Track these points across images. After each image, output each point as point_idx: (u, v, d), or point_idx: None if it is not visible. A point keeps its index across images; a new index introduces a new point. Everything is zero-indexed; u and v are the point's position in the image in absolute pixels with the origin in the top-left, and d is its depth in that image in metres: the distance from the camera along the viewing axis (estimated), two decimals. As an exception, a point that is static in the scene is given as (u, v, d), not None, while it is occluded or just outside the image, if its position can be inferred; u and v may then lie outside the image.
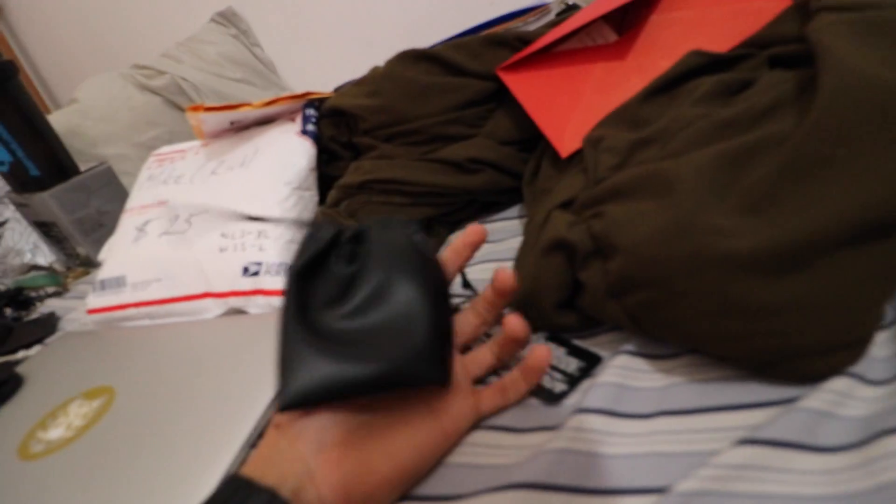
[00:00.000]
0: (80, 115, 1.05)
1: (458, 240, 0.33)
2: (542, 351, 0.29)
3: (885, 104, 0.25)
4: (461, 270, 0.34)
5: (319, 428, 0.25)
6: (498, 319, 0.33)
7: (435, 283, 0.28)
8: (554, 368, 0.32)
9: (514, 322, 0.29)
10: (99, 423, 0.39)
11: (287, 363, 0.25)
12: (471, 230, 0.33)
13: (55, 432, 0.40)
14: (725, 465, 0.23)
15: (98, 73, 1.13)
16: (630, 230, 0.28)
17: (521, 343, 0.31)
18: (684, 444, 0.25)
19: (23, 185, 0.75)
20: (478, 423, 0.30)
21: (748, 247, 0.25)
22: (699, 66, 0.39)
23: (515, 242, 0.49)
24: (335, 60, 1.24)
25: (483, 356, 0.32)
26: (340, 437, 0.25)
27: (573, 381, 0.31)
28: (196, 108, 0.54)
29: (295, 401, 0.25)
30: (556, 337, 0.35)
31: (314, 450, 0.24)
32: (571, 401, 0.30)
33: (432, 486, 0.27)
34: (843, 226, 0.24)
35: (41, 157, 0.75)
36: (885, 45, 0.28)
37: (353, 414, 0.25)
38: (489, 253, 0.48)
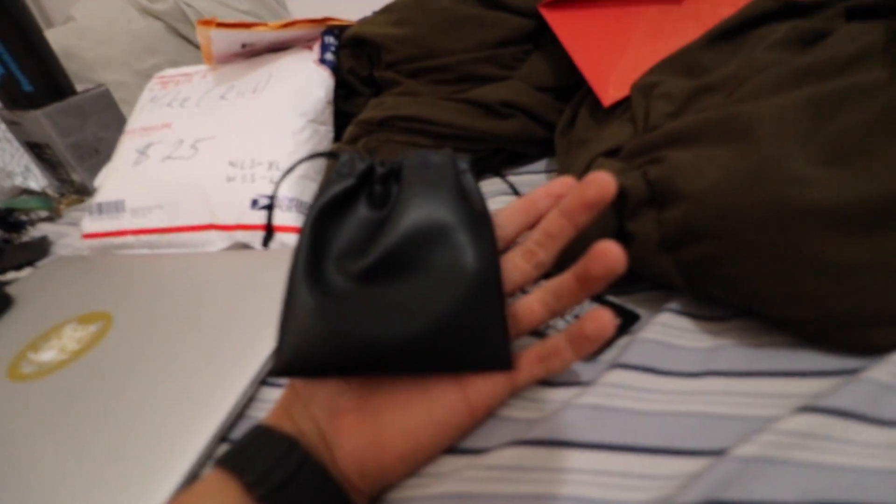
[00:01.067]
0: (76, 35, 0.98)
1: (539, 189, 0.25)
2: (604, 316, 0.21)
3: None
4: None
5: (332, 393, 0.23)
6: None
7: (491, 242, 0.22)
8: None
9: (605, 253, 0.21)
10: (95, 349, 0.37)
11: (287, 321, 0.21)
12: (561, 182, 0.24)
13: (47, 354, 0.38)
14: (786, 432, 0.21)
15: (96, -9, 1.05)
16: (697, 176, 0.25)
17: (595, 288, 0.22)
18: (735, 407, 0.24)
19: (14, 100, 0.71)
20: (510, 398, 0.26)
21: (835, 199, 0.22)
22: (770, 12, 0.36)
23: (542, 197, 0.46)
24: (350, -1, 1.16)
25: (530, 309, 0.24)
26: (353, 404, 0.23)
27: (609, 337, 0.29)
28: (207, 23, 0.49)
29: (287, 369, 0.21)
30: None
31: (327, 416, 0.22)
32: (606, 357, 0.28)
33: (476, 440, 0.25)
34: (942, 183, 0.22)
35: (35, 71, 0.70)
36: None
37: (368, 381, 0.23)
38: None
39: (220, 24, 0.50)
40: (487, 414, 0.25)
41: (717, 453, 0.22)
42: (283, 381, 0.32)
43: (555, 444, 0.23)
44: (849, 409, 0.22)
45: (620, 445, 0.23)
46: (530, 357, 0.24)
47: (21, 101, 0.71)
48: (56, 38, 0.96)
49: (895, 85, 0.24)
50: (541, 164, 0.51)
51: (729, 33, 0.36)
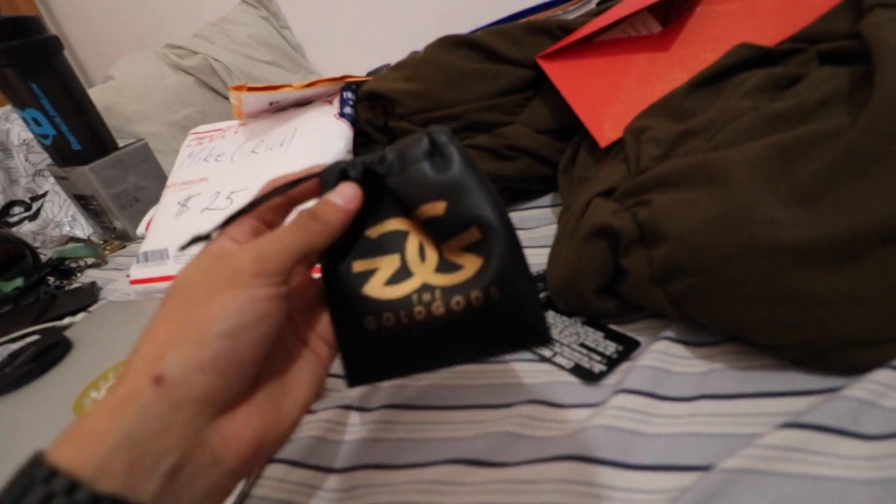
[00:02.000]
0: (115, 92, 1.07)
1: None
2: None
3: (947, 100, 0.25)
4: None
5: (221, 386, 0.18)
6: None
7: (495, 199, 0.21)
8: (591, 350, 0.33)
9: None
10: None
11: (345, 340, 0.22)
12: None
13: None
14: (770, 446, 0.24)
15: (132, 52, 1.15)
16: (679, 218, 0.29)
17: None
18: (726, 427, 0.26)
19: (65, 158, 0.78)
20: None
21: (802, 237, 0.25)
22: (747, 60, 0.39)
23: (548, 230, 0.50)
24: (364, 45, 1.24)
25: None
26: (244, 394, 0.19)
27: (611, 362, 0.32)
28: (240, 88, 0.55)
29: (360, 380, 0.22)
30: (592, 321, 0.36)
31: (211, 413, 0.18)
32: (611, 381, 0.31)
33: (478, 452, 0.28)
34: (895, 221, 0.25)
35: (83, 131, 0.77)
36: (947, 42, 0.28)
37: (256, 367, 0.19)
38: (523, 240, 0.49)
39: (252, 89, 0.55)
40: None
41: (707, 468, 0.24)
42: (321, 406, 0.35)
43: (572, 459, 0.26)
44: (830, 425, 0.25)
45: (625, 463, 0.26)
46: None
47: (70, 159, 0.78)
48: (97, 95, 1.05)
49: (853, 130, 0.27)
50: (546, 199, 0.55)
51: (710, 79, 0.40)
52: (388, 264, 0.22)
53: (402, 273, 0.22)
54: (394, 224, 0.23)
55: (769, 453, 0.24)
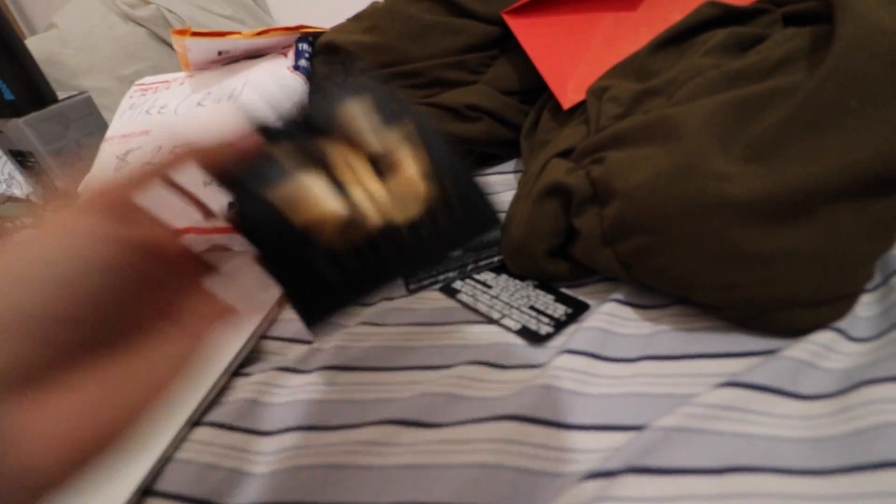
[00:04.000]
0: (58, 42, 0.99)
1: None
2: None
3: (903, 56, 0.24)
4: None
5: (17, 352, 0.13)
6: None
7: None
8: (540, 312, 0.32)
9: None
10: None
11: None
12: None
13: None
14: (706, 405, 0.23)
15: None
16: (630, 174, 0.27)
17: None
18: (666, 387, 0.26)
19: (-4, 108, 0.71)
20: None
21: (748, 193, 0.24)
22: (712, 18, 0.38)
23: (510, 196, 0.48)
24: (331, 1, 1.18)
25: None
26: (59, 370, 0.14)
27: (559, 325, 0.31)
28: (182, 32, 0.51)
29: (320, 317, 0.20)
30: (544, 285, 0.35)
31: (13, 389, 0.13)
32: (556, 342, 0.30)
33: (413, 412, 0.27)
34: (846, 177, 0.24)
35: (16, 80, 0.71)
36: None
37: (79, 332, 0.15)
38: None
39: (196, 34, 0.51)
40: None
41: (646, 427, 0.24)
42: (258, 369, 0.33)
43: (510, 418, 0.25)
44: (767, 384, 0.24)
45: (563, 423, 0.25)
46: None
47: (2, 110, 0.72)
48: (38, 45, 0.97)
49: (808, 85, 0.26)
50: (510, 165, 0.53)
51: (674, 39, 0.38)
52: (313, 182, 0.19)
53: (337, 189, 0.19)
54: (307, 145, 0.20)
55: (705, 412, 0.23)
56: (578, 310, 0.32)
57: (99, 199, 0.15)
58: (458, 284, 0.37)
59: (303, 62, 0.55)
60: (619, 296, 0.31)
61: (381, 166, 0.20)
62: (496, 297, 0.35)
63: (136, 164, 0.17)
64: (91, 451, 0.14)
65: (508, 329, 0.32)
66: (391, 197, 0.20)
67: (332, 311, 0.20)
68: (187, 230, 0.49)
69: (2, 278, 0.13)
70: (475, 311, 0.34)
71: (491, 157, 0.54)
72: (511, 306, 0.33)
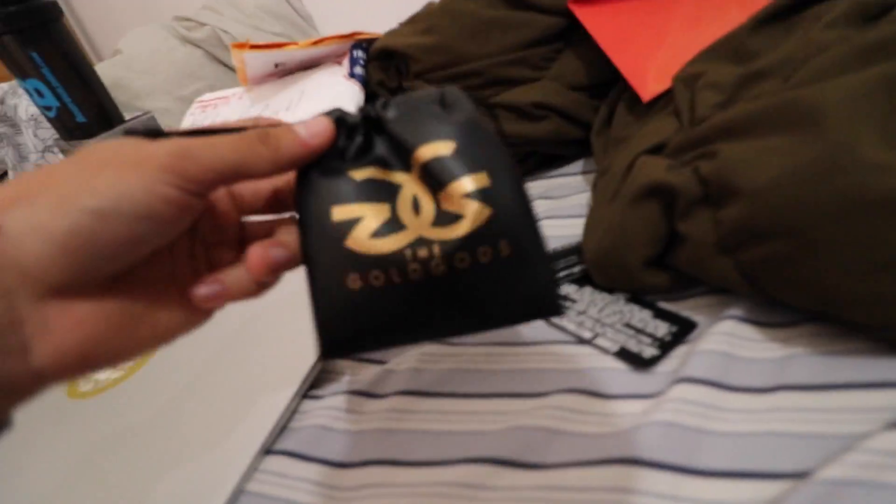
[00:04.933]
0: (123, 66, 1.04)
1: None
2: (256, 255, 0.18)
3: None
4: None
5: (63, 266, 0.14)
6: None
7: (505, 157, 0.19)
8: (639, 331, 0.28)
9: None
10: (147, 365, 0.38)
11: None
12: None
13: (103, 372, 0.40)
14: (878, 451, 0.19)
15: (140, 26, 1.11)
16: (756, 170, 0.23)
17: None
18: (814, 425, 0.21)
19: (69, 131, 0.75)
20: None
21: (923, 188, 0.20)
22: (826, -13, 0.33)
23: (578, 199, 0.44)
24: (377, 13, 1.18)
25: None
26: (90, 291, 0.16)
27: (664, 345, 0.27)
28: (241, 46, 0.51)
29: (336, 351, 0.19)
30: (637, 299, 0.31)
31: (37, 293, 0.14)
32: (665, 368, 0.26)
33: (508, 449, 0.24)
34: None
35: (87, 103, 0.74)
36: None
37: (113, 265, 0.16)
38: (550, 209, 0.44)
39: (254, 47, 0.51)
40: None
41: (797, 476, 0.20)
42: (329, 391, 0.32)
43: (628, 462, 0.21)
44: (953, 425, 0.19)
45: (690, 468, 0.21)
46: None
47: (75, 132, 0.75)
48: (105, 70, 1.02)
49: None
50: (577, 166, 0.49)
51: (779, 14, 0.33)
52: (375, 213, 0.18)
53: (393, 225, 0.18)
54: (384, 173, 0.19)
55: (879, 460, 0.19)
56: (684, 328, 0.28)
57: (180, 164, 0.15)
58: None
59: (358, 69, 0.53)
60: (736, 312, 0.27)
61: (441, 205, 0.18)
62: (584, 313, 0.31)
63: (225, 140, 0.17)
64: (90, 362, 0.16)
65: (605, 350, 0.28)
66: (443, 244, 0.18)
67: (348, 347, 0.19)
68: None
69: (74, 203, 0.14)
70: (562, 328, 0.30)
71: (555, 157, 0.50)
72: (603, 324, 0.30)
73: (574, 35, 0.47)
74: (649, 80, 0.40)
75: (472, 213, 0.18)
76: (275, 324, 0.38)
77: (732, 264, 0.25)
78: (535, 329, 0.31)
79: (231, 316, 0.41)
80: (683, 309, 0.30)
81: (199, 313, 0.19)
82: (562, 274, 0.35)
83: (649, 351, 0.27)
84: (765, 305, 0.27)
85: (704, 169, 0.26)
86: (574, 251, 0.37)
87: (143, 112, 0.82)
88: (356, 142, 0.19)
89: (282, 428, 0.30)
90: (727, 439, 0.22)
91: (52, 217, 0.14)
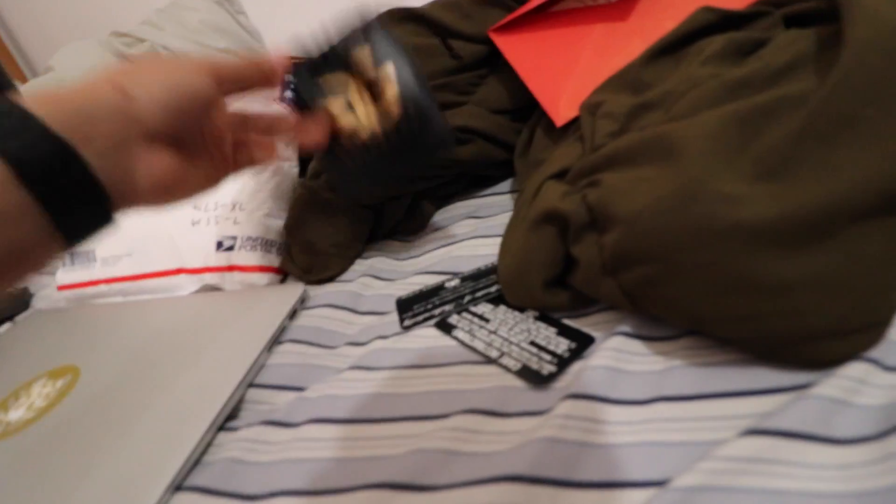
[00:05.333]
0: (55, 84, 1.00)
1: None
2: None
3: (922, 56, 0.22)
4: None
5: (161, 123, 0.21)
6: None
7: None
8: (542, 349, 0.30)
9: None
10: (61, 404, 0.37)
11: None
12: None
13: (15, 413, 0.38)
14: (730, 458, 0.21)
15: (75, 41, 1.07)
16: (629, 199, 0.25)
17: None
18: (685, 433, 0.23)
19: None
20: None
21: (762, 216, 0.22)
22: (709, 25, 0.36)
23: (503, 218, 0.46)
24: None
25: None
26: (166, 143, 0.22)
27: (562, 362, 0.29)
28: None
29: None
30: (544, 317, 0.33)
31: (144, 137, 0.21)
32: (560, 384, 0.28)
33: (406, 473, 0.24)
34: (868, 193, 0.21)
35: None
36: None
37: (181, 126, 0.23)
38: (478, 229, 0.46)
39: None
40: None
41: (663, 483, 0.21)
42: (245, 422, 0.32)
43: (511, 479, 0.23)
44: (797, 430, 0.22)
45: (570, 481, 0.22)
46: None
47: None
48: (35, 88, 0.98)
49: (819, 94, 0.24)
50: (505, 185, 0.51)
51: (669, 48, 0.36)
52: (335, 103, 0.30)
53: (349, 107, 0.31)
54: (337, 76, 0.31)
55: (730, 466, 0.21)
56: (583, 344, 0.30)
57: (207, 66, 0.24)
58: (454, 319, 0.35)
59: (290, 93, 0.54)
60: (626, 328, 0.29)
61: (374, 92, 0.31)
62: (494, 333, 0.32)
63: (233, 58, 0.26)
64: (164, 194, 0.23)
65: (508, 370, 0.29)
66: (378, 114, 0.31)
67: (354, 189, 0.35)
68: (178, 271, 0.48)
69: (166, 80, 0.22)
70: (472, 349, 0.32)
71: (484, 178, 0.52)
72: (511, 342, 0.31)
73: (497, 62, 0.49)
74: (562, 107, 0.43)
75: (389, 92, 0.30)
76: (190, 359, 0.38)
77: (616, 285, 0.27)
78: (446, 351, 0.32)
79: (146, 351, 0.41)
80: (586, 325, 0.32)
81: (213, 180, 0.26)
82: (479, 294, 0.36)
83: (548, 368, 0.29)
84: (652, 321, 0.29)
85: (591, 196, 0.28)
86: (492, 271, 0.38)
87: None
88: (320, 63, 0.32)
89: (195, 462, 0.30)
90: (606, 451, 0.23)
91: (159, 90, 0.21)
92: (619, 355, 0.27)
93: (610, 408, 0.25)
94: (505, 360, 0.30)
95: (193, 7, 1.15)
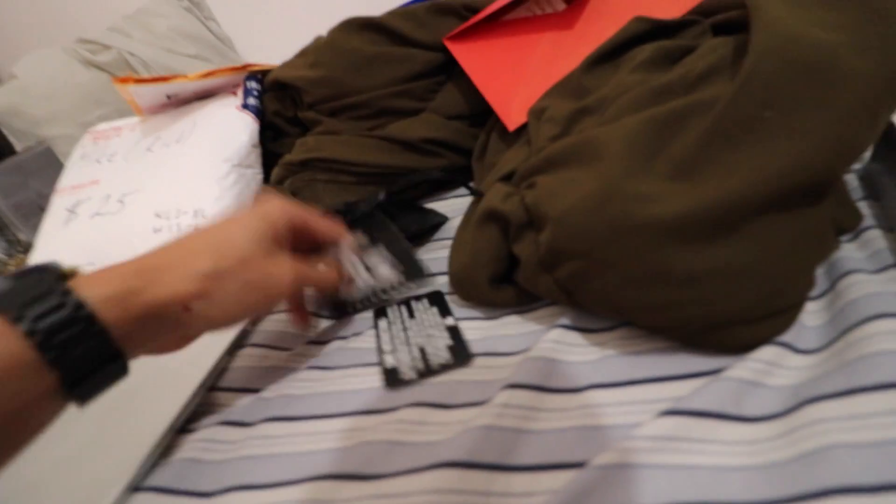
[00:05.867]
0: (19, 93, 0.98)
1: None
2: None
3: (815, 63, 0.24)
4: None
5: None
6: None
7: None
8: (424, 356, 0.32)
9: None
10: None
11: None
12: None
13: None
14: (645, 437, 0.23)
15: (39, 49, 1.06)
16: (559, 199, 0.27)
17: None
18: (611, 418, 0.25)
19: (-51, 166, 0.70)
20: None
21: (671, 212, 0.24)
22: (642, 33, 0.38)
23: (465, 220, 0.47)
24: (296, 35, 1.19)
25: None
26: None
27: (423, 374, 0.30)
28: (125, 80, 0.50)
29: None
30: (455, 330, 0.34)
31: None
32: (503, 375, 0.29)
33: (352, 464, 0.26)
34: (769, 188, 0.23)
35: (-31, 135, 0.70)
36: (819, 7, 0.27)
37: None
38: (444, 231, 0.47)
39: (139, 80, 0.51)
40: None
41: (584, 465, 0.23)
42: (204, 423, 0.32)
43: (449, 465, 0.24)
44: (709, 409, 0.23)
45: (505, 465, 0.24)
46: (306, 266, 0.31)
47: (-43, 167, 0.71)
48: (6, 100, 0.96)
49: (725, 98, 0.26)
50: (463, 188, 0.53)
51: (607, 55, 0.38)
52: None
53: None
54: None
55: (645, 444, 0.22)
56: (459, 362, 0.31)
57: (295, 270, 0.29)
58: (391, 310, 0.36)
59: (251, 100, 0.55)
60: (565, 321, 0.30)
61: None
62: (406, 330, 0.34)
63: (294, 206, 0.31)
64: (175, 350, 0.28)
65: (382, 365, 0.31)
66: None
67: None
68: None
69: (226, 305, 0.26)
70: (379, 338, 0.34)
71: (445, 182, 0.53)
72: (408, 344, 0.33)
73: (454, 69, 0.51)
74: (513, 112, 0.44)
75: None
76: (150, 362, 0.38)
77: (552, 280, 0.28)
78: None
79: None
80: (531, 319, 0.33)
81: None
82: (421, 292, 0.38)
83: (410, 375, 0.31)
84: (588, 314, 0.30)
85: (528, 198, 0.30)
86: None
87: (36, 143, 0.79)
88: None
89: (153, 464, 0.31)
90: (541, 436, 0.25)
91: (235, 308, 0.27)
92: (557, 346, 0.29)
93: (547, 396, 0.27)
94: (387, 358, 0.32)
95: (162, 13, 1.15)
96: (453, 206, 0.50)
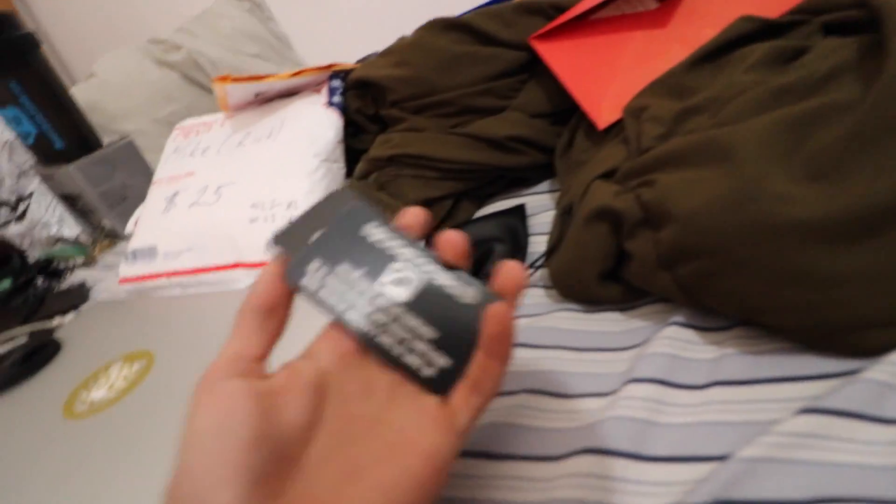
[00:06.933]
0: (98, 89, 1.05)
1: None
2: (502, 310, 0.20)
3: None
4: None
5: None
6: None
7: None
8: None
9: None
10: (140, 385, 0.40)
11: None
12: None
13: (98, 393, 0.41)
14: (788, 433, 0.23)
15: (114, 48, 1.12)
16: (686, 198, 0.27)
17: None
18: (741, 414, 0.25)
19: (48, 157, 0.76)
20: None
21: (815, 214, 0.24)
22: (749, 33, 0.38)
23: (548, 217, 0.48)
24: (351, 34, 1.22)
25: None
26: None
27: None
28: (223, 79, 0.53)
29: None
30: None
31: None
32: (618, 369, 0.30)
33: (505, 445, 0.27)
34: (915, 193, 0.23)
35: (65, 129, 0.75)
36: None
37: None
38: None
39: (236, 79, 0.53)
40: (440, 470, 0.20)
41: (724, 458, 0.23)
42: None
43: (587, 451, 0.25)
44: (849, 409, 0.23)
45: (640, 455, 0.25)
46: (463, 390, 0.21)
47: (54, 158, 0.76)
48: (80, 94, 1.02)
49: (867, 101, 0.26)
50: (544, 185, 0.53)
51: (711, 55, 0.38)
52: None
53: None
54: None
55: (788, 440, 0.23)
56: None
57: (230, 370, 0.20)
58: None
59: (336, 98, 0.57)
60: (679, 318, 0.31)
61: None
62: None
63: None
64: None
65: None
66: None
67: None
68: (236, 265, 0.50)
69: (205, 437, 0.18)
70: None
71: (521, 179, 0.54)
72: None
73: (536, 67, 0.51)
74: (604, 111, 0.45)
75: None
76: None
77: (671, 278, 0.29)
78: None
79: (213, 339, 0.43)
80: (637, 316, 0.34)
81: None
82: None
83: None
84: (703, 312, 0.31)
85: (645, 195, 0.30)
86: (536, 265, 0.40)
87: (120, 136, 0.83)
88: None
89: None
90: (670, 429, 0.25)
91: None
92: (674, 343, 0.29)
93: (672, 391, 0.27)
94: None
95: (226, 14, 1.20)
96: (532, 203, 0.51)
